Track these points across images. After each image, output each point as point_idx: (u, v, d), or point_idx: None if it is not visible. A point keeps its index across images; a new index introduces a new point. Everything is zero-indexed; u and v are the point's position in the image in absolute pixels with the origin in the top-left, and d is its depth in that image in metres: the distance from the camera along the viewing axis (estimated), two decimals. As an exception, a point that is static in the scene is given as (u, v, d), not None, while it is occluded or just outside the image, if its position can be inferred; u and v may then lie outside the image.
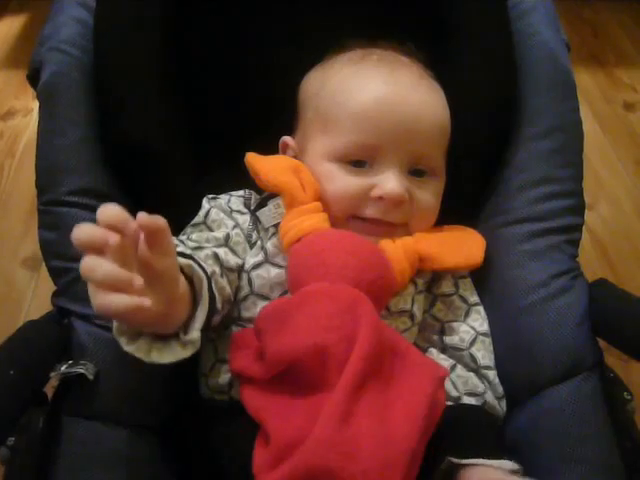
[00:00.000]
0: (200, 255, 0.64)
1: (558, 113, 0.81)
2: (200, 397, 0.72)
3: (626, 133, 1.76)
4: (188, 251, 0.62)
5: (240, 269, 0.72)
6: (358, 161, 0.73)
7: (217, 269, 0.65)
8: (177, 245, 0.63)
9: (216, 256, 0.67)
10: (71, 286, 0.72)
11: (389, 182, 0.71)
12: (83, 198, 0.74)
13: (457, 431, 0.64)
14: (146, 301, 0.47)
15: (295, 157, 0.80)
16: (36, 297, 1.29)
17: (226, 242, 0.72)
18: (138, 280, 0.48)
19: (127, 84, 0.78)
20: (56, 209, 0.73)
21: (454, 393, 0.70)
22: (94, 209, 0.72)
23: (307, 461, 0.52)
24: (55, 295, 0.73)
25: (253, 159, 0.75)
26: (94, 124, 0.77)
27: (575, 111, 0.81)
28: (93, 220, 0.72)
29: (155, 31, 0.80)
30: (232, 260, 0.70)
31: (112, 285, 0.46)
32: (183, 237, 0.71)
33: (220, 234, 0.72)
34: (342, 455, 0.53)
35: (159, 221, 0.48)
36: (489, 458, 0.62)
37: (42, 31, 0.80)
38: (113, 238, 0.46)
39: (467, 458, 0.62)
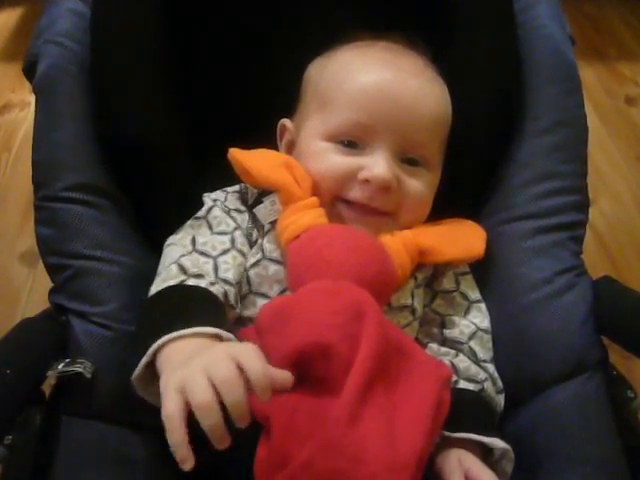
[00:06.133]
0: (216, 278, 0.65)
1: (562, 108, 0.80)
2: None
3: (628, 127, 1.75)
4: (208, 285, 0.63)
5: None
6: (350, 142, 0.72)
7: (231, 299, 0.66)
8: (200, 275, 0.64)
9: (228, 282, 0.66)
10: (68, 283, 0.71)
11: (378, 166, 0.69)
12: (80, 194, 0.73)
13: (450, 409, 0.63)
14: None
15: (291, 140, 0.79)
16: (34, 293, 1.28)
17: (233, 245, 0.70)
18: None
19: (125, 78, 0.77)
20: (53, 205, 0.72)
21: (452, 377, 0.69)
22: (91, 205, 0.74)
23: (313, 463, 0.51)
24: (52, 292, 0.72)
25: (240, 155, 0.73)
26: (91, 118, 0.76)
27: (580, 106, 0.80)
28: (89, 216, 0.73)
29: (154, 22, 0.79)
30: (239, 268, 0.69)
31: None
32: (188, 241, 0.69)
33: (225, 238, 0.70)
34: (349, 458, 0.52)
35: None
36: (481, 434, 0.64)
37: (38, 23, 0.79)
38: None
39: (459, 432, 0.63)
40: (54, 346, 0.68)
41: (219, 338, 0.57)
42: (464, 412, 0.65)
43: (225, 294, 0.65)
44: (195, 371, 0.48)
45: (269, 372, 0.48)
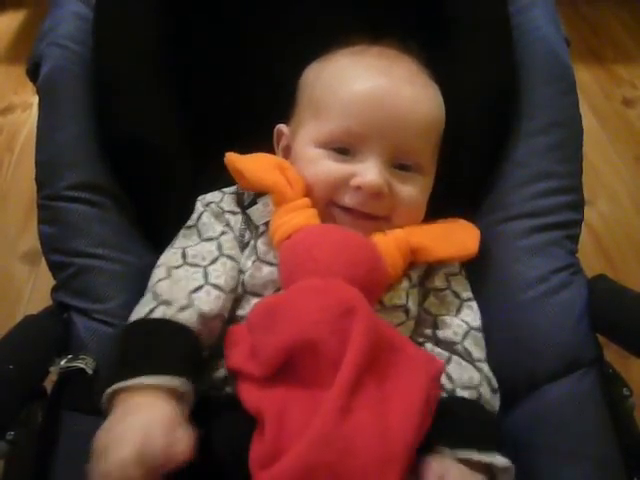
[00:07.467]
0: (202, 296, 0.65)
1: (558, 108, 0.81)
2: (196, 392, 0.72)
3: (625, 129, 1.75)
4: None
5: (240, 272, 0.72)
6: (343, 149, 0.72)
7: (220, 303, 0.67)
8: (168, 302, 0.64)
9: (218, 287, 0.67)
10: (70, 280, 0.72)
11: (369, 173, 0.70)
12: (83, 193, 0.74)
13: (449, 423, 0.63)
14: None
15: (288, 145, 0.80)
16: (35, 292, 1.29)
17: (220, 252, 0.71)
18: None
19: (126, 79, 0.78)
20: (56, 204, 0.73)
21: (448, 386, 0.69)
22: (94, 204, 0.75)
23: (305, 457, 0.52)
24: (54, 290, 0.73)
25: (235, 159, 0.74)
26: (94, 119, 0.77)
27: (575, 106, 0.81)
28: (91, 214, 0.74)
29: (155, 24, 0.80)
30: (231, 273, 0.70)
31: None
32: (179, 255, 0.70)
33: (212, 246, 0.71)
34: (340, 451, 0.53)
35: None
36: (480, 452, 0.61)
37: (41, 26, 0.80)
38: None
39: (458, 449, 0.61)
40: (56, 342, 0.69)
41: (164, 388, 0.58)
42: (461, 427, 0.64)
43: (201, 314, 0.64)
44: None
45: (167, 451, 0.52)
